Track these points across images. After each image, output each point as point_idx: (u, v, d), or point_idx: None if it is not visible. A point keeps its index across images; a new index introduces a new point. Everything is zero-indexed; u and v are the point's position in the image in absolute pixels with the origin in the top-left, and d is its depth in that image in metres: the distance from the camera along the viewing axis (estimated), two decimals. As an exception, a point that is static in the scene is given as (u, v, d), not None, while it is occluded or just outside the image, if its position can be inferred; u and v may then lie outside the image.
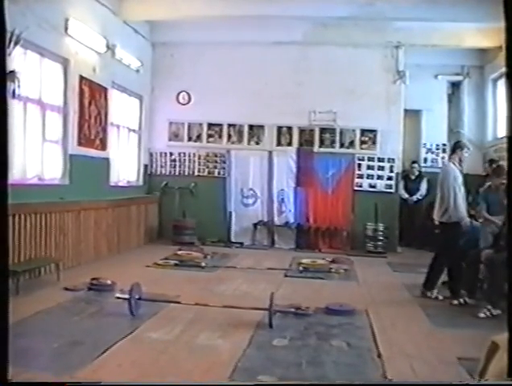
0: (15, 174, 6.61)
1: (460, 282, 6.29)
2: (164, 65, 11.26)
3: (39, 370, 3.67)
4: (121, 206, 9.43)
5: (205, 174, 11.28)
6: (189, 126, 11.31)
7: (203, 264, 8.20)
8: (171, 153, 11.39)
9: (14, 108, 6.49)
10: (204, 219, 10.74)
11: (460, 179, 6.48)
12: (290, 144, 11.02)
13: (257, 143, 11.16)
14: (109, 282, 6.26)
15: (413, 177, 11.17)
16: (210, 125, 11.24)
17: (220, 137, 11.22)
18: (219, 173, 11.26)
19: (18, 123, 6.69)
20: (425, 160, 11.77)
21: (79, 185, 8.01)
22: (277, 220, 11.04)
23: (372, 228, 10.38)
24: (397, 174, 10.79)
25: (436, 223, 6.74)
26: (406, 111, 10.95)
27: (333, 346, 4.48)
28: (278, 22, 10.13)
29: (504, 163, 8.78)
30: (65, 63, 7.88)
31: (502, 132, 9.98)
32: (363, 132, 10.79)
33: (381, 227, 10.36)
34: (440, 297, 6.39)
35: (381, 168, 10.78)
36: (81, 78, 8.23)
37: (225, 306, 5.36)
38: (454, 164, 6.59)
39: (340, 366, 4.01)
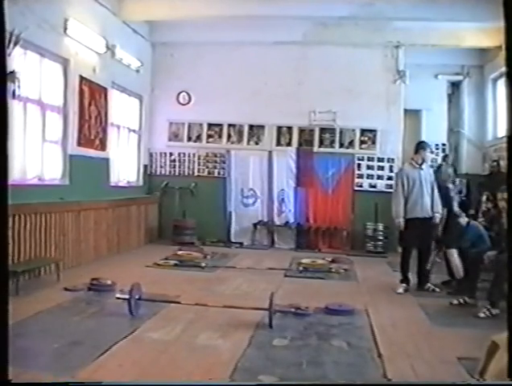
0: (15, 174, 6.61)
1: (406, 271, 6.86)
2: (164, 65, 11.26)
3: (40, 370, 3.66)
4: (121, 206, 9.43)
5: (205, 174, 11.29)
6: (189, 126, 11.32)
7: (203, 264, 8.20)
8: (171, 154, 11.40)
9: (14, 108, 6.49)
10: (204, 219, 10.74)
11: (410, 178, 6.75)
12: (290, 144, 11.03)
13: (257, 143, 11.16)
14: (109, 282, 6.26)
15: (413, 177, 11.15)
16: (210, 125, 11.25)
17: (220, 137, 11.22)
18: (219, 173, 11.26)
19: (18, 123, 6.69)
20: (425, 160, 11.74)
21: (79, 185, 8.02)
22: (277, 220, 11.04)
23: (372, 228, 10.39)
24: (396, 174, 10.76)
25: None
26: (406, 111, 10.95)
27: (333, 346, 4.48)
28: (278, 22, 10.13)
29: (503, 163, 8.85)
30: (65, 63, 7.89)
31: (502, 131, 9.97)
32: (363, 132, 10.80)
33: (381, 226, 10.36)
34: (399, 291, 6.69)
35: (380, 168, 10.78)
36: (81, 78, 8.23)
37: (225, 306, 5.36)
38: (411, 164, 6.92)
39: (340, 366, 4.00)
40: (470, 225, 7.09)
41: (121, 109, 10.19)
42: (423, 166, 6.89)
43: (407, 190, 6.73)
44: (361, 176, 10.84)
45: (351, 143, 10.86)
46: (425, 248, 6.92)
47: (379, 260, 9.63)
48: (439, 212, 6.89)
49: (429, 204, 6.77)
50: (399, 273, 6.99)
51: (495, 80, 11.00)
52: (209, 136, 11.27)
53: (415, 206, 6.71)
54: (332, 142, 10.90)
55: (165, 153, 11.42)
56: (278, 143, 11.06)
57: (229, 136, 11.22)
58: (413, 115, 11.67)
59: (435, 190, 6.89)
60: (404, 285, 6.79)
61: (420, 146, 7.01)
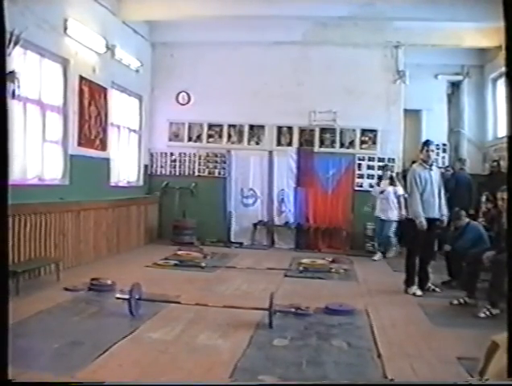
0: (15, 174, 6.61)
1: (426, 277, 6.81)
2: (164, 65, 11.27)
3: (40, 370, 3.67)
4: (121, 206, 9.43)
5: (205, 174, 11.29)
6: (189, 126, 11.33)
7: (203, 264, 8.20)
8: (171, 154, 11.41)
9: (14, 108, 6.50)
10: (204, 219, 10.75)
11: (422, 178, 6.74)
12: (290, 144, 11.03)
13: (257, 143, 11.16)
14: (109, 282, 6.26)
15: (413, 177, 11.14)
16: (210, 125, 11.25)
17: (221, 137, 11.23)
18: (219, 173, 11.27)
19: (18, 123, 6.69)
20: (425, 160, 11.74)
21: (79, 185, 8.02)
22: (277, 220, 11.04)
23: (372, 228, 10.37)
24: (397, 174, 10.77)
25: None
26: (406, 111, 10.94)
27: (333, 345, 4.49)
28: (278, 22, 10.13)
29: (504, 163, 8.85)
30: (65, 63, 7.89)
31: (502, 131, 9.98)
32: (363, 132, 10.80)
33: (381, 227, 10.34)
34: (419, 293, 6.57)
35: (381, 168, 10.77)
36: (81, 78, 8.24)
37: (225, 306, 5.36)
38: (421, 164, 6.90)
39: (340, 366, 4.01)
40: (470, 225, 7.11)
41: (121, 109, 10.19)
42: (433, 168, 6.91)
43: (420, 191, 6.70)
44: (361, 176, 10.84)
45: (351, 143, 10.86)
46: (429, 249, 6.88)
47: (379, 260, 9.62)
48: (446, 214, 6.88)
49: (437, 205, 6.77)
50: (404, 275, 6.87)
51: (495, 80, 11.00)
52: (209, 136, 11.28)
53: (428, 206, 6.69)
54: (332, 142, 10.91)
55: (165, 154, 11.42)
56: (279, 143, 11.06)
57: (230, 136, 11.23)
58: (413, 115, 11.66)
59: (442, 192, 6.88)
60: (415, 286, 6.69)
61: (425, 143, 7.06)
